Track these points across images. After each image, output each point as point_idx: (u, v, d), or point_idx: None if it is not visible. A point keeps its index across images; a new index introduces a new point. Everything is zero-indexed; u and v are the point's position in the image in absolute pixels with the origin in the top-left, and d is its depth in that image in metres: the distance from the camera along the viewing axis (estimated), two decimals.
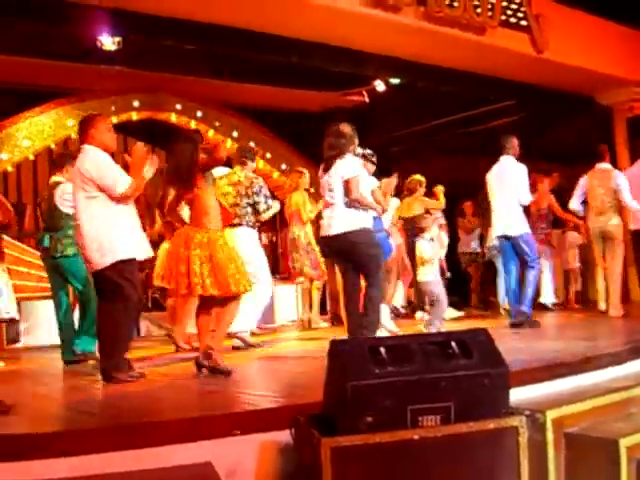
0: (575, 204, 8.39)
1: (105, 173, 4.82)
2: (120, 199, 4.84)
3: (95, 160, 4.86)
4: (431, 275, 6.99)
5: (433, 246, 7.07)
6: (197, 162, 4.96)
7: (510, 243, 7.30)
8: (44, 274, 7.91)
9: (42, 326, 7.94)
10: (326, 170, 5.75)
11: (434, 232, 7.17)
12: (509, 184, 7.27)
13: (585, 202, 8.35)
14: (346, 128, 5.77)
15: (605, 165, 8.22)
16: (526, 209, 7.95)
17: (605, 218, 8.02)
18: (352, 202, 5.59)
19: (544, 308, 9.33)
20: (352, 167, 5.65)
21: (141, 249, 5.05)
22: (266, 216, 6.91)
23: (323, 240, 5.91)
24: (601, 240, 8.13)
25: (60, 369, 6.04)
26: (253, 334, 7.04)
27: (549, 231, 9.47)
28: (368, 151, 6.92)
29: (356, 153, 5.89)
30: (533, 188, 8.24)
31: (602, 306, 8.18)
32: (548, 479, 3.56)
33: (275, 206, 7.05)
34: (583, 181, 8.28)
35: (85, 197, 4.84)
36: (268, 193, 6.89)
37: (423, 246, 7.01)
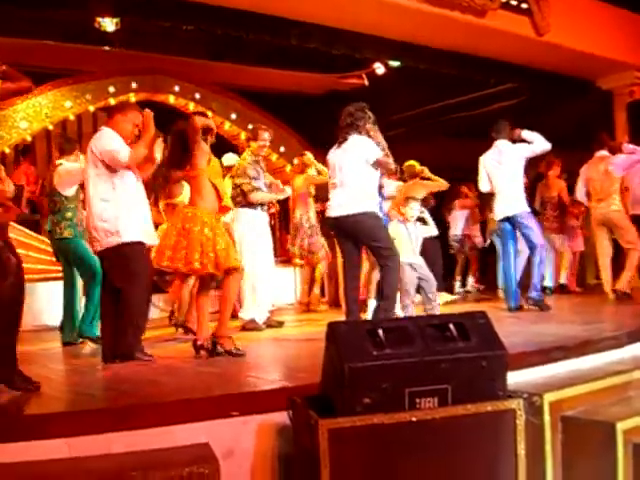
0: (580, 194, 8.42)
1: (111, 145, 4.87)
2: (124, 169, 4.87)
3: (106, 137, 4.93)
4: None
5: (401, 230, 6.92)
6: (193, 145, 4.97)
7: (512, 224, 7.33)
8: (43, 256, 7.92)
9: (39, 308, 7.92)
10: (339, 145, 5.78)
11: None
12: (508, 166, 7.31)
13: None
14: (361, 107, 5.80)
15: (604, 152, 8.24)
16: (534, 198, 7.96)
17: (605, 204, 8.04)
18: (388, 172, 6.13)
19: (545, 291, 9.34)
20: (374, 148, 5.65)
21: (148, 234, 5.07)
22: (257, 197, 6.81)
23: (330, 220, 5.87)
24: (604, 227, 8.14)
25: (59, 351, 6.06)
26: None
27: (559, 218, 9.46)
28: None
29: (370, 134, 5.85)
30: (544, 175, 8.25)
31: (608, 292, 8.12)
32: (545, 462, 3.58)
33: (286, 190, 7.30)
34: (584, 170, 8.32)
35: (96, 175, 4.87)
36: (255, 174, 6.86)
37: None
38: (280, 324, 7.01)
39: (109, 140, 4.90)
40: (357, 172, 5.67)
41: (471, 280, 11.03)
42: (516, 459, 2.89)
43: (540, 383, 3.93)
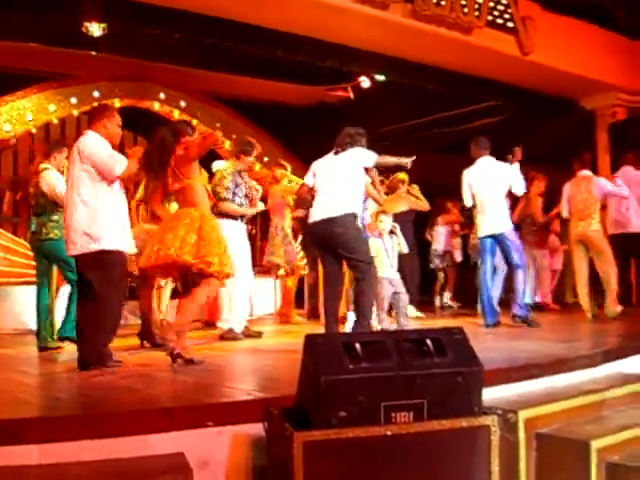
0: (565, 212, 8.49)
1: (106, 154, 4.89)
2: (114, 180, 4.90)
3: (97, 143, 4.95)
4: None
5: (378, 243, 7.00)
6: (172, 152, 4.99)
7: (495, 241, 7.38)
8: (20, 259, 7.87)
9: (19, 311, 7.86)
10: (336, 154, 6.01)
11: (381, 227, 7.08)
12: (495, 183, 7.38)
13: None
14: (360, 132, 6.08)
15: (586, 172, 8.34)
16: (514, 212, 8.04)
17: (585, 224, 8.12)
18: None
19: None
20: (371, 154, 5.87)
21: (126, 243, 5.07)
22: (225, 208, 6.77)
23: (312, 227, 5.94)
24: (582, 245, 8.21)
25: (35, 355, 6.01)
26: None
27: (540, 233, 9.54)
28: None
29: None
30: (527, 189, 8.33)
31: (588, 315, 8.14)
32: (519, 479, 3.60)
33: (259, 206, 7.23)
34: (566, 189, 8.39)
35: (81, 178, 4.86)
36: (232, 186, 6.85)
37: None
38: (259, 334, 6.99)
39: (101, 148, 4.93)
40: (348, 180, 5.83)
41: (447, 296, 11.06)
42: (490, 475, 2.90)
43: (515, 400, 3.95)
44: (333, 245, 5.77)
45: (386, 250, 6.93)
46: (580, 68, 10.09)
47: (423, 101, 11.32)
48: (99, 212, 4.83)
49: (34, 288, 6.53)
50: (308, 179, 6.19)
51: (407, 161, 6.04)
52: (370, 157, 5.87)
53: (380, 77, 11.06)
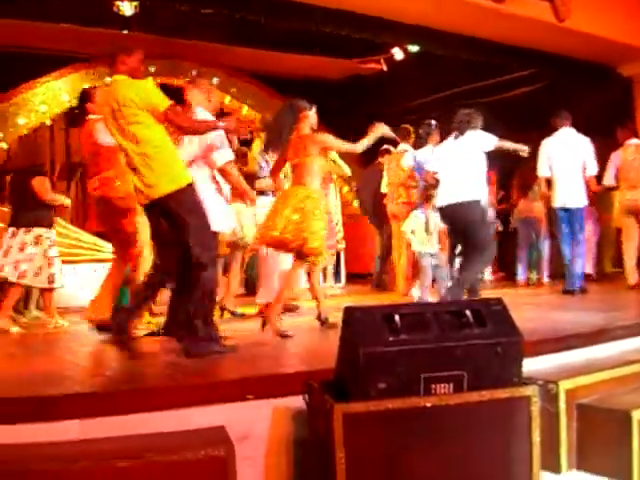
0: (609, 179, 8.40)
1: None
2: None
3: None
4: (416, 246, 7.15)
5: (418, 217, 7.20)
6: (292, 128, 5.41)
7: (568, 212, 7.59)
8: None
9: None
10: (456, 138, 6.55)
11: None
12: (573, 155, 7.55)
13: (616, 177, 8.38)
14: (475, 112, 6.59)
15: (636, 140, 8.32)
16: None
17: (636, 193, 8.08)
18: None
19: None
20: (491, 138, 6.36)
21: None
22: (262, 185, 6.86)
23: (445, 209, 6.48)
24: (631, 215, 8.18)
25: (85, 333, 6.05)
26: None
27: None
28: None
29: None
30: None
31: (631, 281, 8.10)
32: (560, 449, 3.58)
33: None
34: (615, 157, 8.34)
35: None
36: (263, 163, 6.94)
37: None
38: (295, 308, 7.02)
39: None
40: (470, 164, 6.36)
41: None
42: (531, 446, 2.89)
43: (556, 370, 3.93)
44: (460, 227, 6.47)
45: (427, 224, 7.06)
46: (617, 34, 9.85)
47: (457, 72, 11.15)
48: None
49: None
50: (431, 165, 6.80)
51: (525, 149, 6.51)
52: (490, 140, 6.32)
53: (413, 48, 10.93)
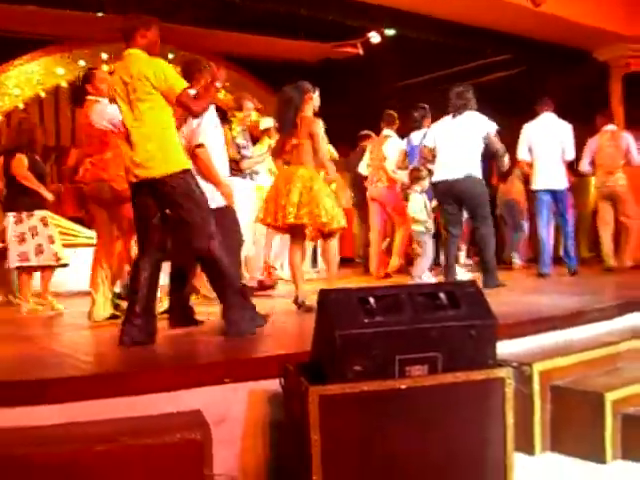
0: (584, 165, 8.50)
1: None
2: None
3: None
4: (419, 226, 7.24)
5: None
6: (298, 110, 5.46)
7: (551, 195, 7.68)
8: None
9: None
10: (454, 117, 6.75)
11: (425, 185, 7.17)
12: (554, 139, 7.64)
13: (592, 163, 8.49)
14: (468, 89, 6.85)
15: (612, 126, 8.44)
16: None
17: (613, 178, 8.20)
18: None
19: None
20: (491, 125, 6.61)
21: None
22: (245, 165, 6.89)
23: (442, 184, 6.66)
24: (607, 201, 8.28)
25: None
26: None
27: None
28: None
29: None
30: None
31: (610, 262, 8.19)
32: (533, 431, 3.62)
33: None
34: (592, 143, 8.42)
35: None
36: (244, 142, 6.96)
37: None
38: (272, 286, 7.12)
39: None
40: (468, 143, 6.55)
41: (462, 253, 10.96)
42: (505, 428, 2.91)
43: (530, 353, 3.96)
44: (459, 202, 6.66)
45: (426, 206, 7.21)
46: (593, 19, 9.90)
47: (433, 57, 11.16)
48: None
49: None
50: (429, 141, 6.91)
51: (505, 165, 7.02)
52: (492, 126, 6.56)
53: (390, 32, 10.91)
